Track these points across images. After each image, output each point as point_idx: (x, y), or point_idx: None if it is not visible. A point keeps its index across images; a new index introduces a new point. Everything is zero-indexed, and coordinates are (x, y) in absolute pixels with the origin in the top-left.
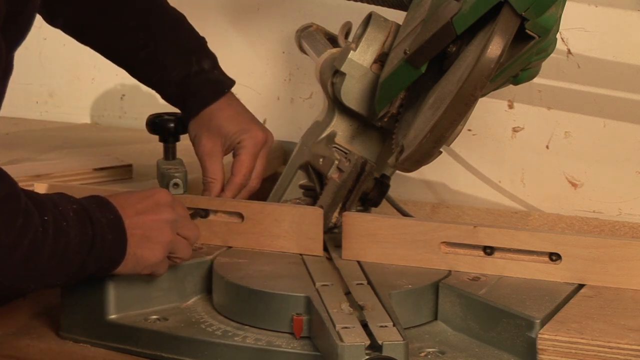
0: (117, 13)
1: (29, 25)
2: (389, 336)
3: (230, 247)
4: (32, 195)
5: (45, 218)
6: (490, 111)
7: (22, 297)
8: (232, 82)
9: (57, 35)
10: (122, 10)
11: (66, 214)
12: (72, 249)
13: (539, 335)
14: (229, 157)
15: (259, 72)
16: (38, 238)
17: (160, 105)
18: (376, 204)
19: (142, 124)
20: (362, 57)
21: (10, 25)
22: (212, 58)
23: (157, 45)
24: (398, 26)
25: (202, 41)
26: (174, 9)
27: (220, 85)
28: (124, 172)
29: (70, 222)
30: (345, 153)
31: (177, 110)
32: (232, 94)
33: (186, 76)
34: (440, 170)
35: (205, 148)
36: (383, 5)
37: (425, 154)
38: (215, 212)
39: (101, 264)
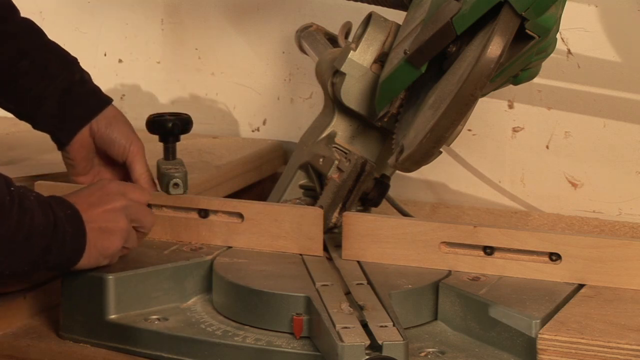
0: None
1: None
2: (389, 336)
3: (230, 247)
4: None
5: (12, 189)
6: (490, 111)
7: (22, 297)
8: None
9: (57, 36)
10: None
11: (29, 195)
12: (37, 229)
13: (539, 335)
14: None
15: (259, 72)
16: (5, 206)
17: (160, 105)
18: (376, 204)
19: (142, 124)
20: (362, 57)
21: None
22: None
23: (37, 53)
24: (398, 26)
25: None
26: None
27: (101, 95)
28: None
29: (33, 203)
30: (345, 153)
31: (177, 110)
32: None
33: (70, 86)
34: (440, 170)
35: (129, 152)
36: (383, 5)
37: (425, 154)
38: (216, 212)
39: (64, 255)
